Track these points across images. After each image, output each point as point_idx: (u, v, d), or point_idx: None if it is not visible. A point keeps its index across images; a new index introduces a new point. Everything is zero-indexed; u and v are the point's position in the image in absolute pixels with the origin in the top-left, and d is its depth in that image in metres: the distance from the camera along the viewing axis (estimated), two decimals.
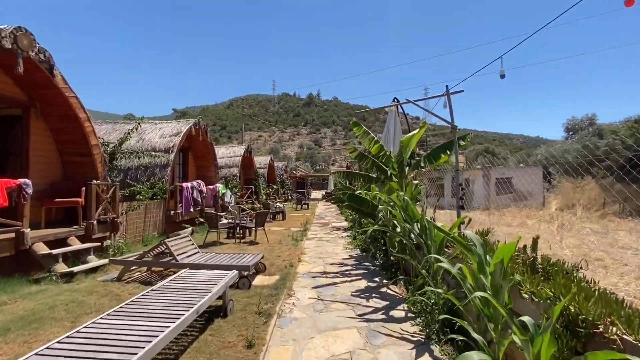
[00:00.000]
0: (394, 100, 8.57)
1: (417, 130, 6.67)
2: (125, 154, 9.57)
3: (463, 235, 3.07)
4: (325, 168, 54.31)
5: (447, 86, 5.22)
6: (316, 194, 50.12)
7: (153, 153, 10.27)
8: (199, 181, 11.65)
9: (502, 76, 9.15)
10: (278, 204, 24.07)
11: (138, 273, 6.01)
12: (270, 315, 4.11)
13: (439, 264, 2.90)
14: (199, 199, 11.34)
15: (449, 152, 5.91)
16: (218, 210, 12.88)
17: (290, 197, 30.19)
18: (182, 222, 10.65)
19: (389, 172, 6.44)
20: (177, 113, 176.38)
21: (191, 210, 10.71)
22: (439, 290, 3.02)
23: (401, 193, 6.20)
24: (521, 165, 22.24)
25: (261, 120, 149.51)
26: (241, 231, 9.64)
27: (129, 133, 9.37)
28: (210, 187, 13.21)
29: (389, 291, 5.17)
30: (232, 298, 4.34)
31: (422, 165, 6.28)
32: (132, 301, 3.42)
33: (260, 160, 24.74)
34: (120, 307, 3.24)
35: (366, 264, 7.04)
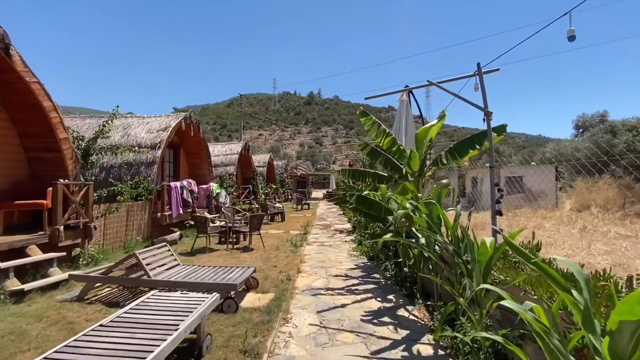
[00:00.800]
0: (405, 89, 7.62)
1: (434, 121, 5.72)
2: (106, 150, 8.62)
3: (550, 262, 2.14)
4: (327, 167, 53.33)
5: (478, 64, 4.26)
6: (317, 193, 49.20)
7: (138, 149, 9.33)
8: (190, 180, 10.71)
9: (572, 37, 6.94)
10: (277, 204, 23.16)
11: (107, 289, 5.07)
12: (259, 354, 3.17)
13: (502, 302, 1.95)
14: (190, 200, 10.41)
15: (478, 147, 4.95)
16: (212, 211, 11.95)
17: (290, 197, 29.25)
18: (171, 225, 9.73)
19: (403, 171, 5.50)
20: (178, 112, 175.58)
21: (181, 212, 9.78)
22: (497, 339, 2.06)
23: (418, 195, 5.26)
24: (533, 163, 21.24)
25: (262, 118, 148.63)
26: (234, 236, 8.71)
27: (103, 126, 8.40)
28: (204, 186, 12.29)
29: (407, 315, 4.23)
30: (210, 332, 3.40)
31: (444, 161, 5.32)
32: (67, 345, 2.48)
33: (259, 159, 23.80)
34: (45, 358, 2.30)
35: (375, 275, 6.10)
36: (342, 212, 19.26)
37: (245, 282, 4.78)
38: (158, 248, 5.00)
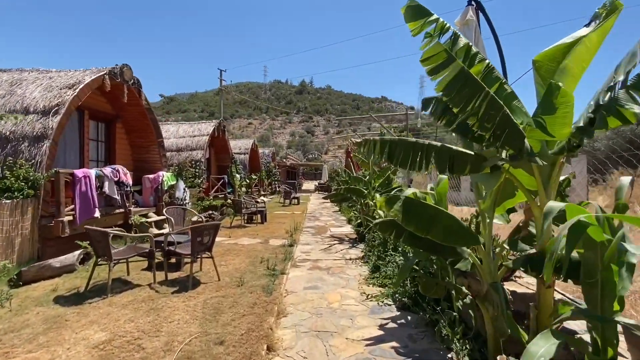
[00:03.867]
0: (470, 5, 4.25)
1: (589, 29, 2.36)
2: None
3: None
4: (318, 157, 49.91)
5: None
6: (308, 184, 45.82)
7: (22, 117, 5.78)
8: (117, 167, 7.20)
9: None
10: (262, 198, 19.73)
11: None
12: None
13: None
14: (117, 196, 6.93)
15: None
16: (160, 211, 8.50)
17: (278, 189, 25.82)
18: (80, 236, 6.24)
19: (525, 143, 2.15)
20: (165, 99, 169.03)
21: (97, 214, 6.28)
22: None
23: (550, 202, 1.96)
24: None
25: (251, 107, 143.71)
26: (174, 258, 5.31)
27: None
28: (150, 176, 8.80)
29: None
30: None
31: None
32: None
33: (240, 145, 20.25)
34: None
35: None
36: (337, 208, 15.99)
37: None
38: None
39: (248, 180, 14.61)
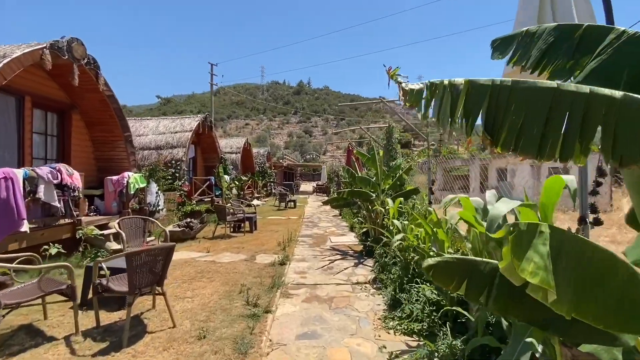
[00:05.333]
0: None
1: None
2: None
3: None
4: (317, 158, 48.41)
5: None
6: (306, 186, 44.25)
7: None
8: (58, 166, 5.65)
9: None
10: (255, 201, 18.21)
11: None
12: None
13: None
14: (56, 203, 5.39)
15: None
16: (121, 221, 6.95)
17: (274, 191, 24.32)
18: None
19: None
20: (163, 101, 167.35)
21: (23, 228, 4.74)
22: None
23: None
24: None
25: (249, 108, 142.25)
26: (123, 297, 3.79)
27: None
28: (113, 178, 7.29)
29: None
30: None
31: None
32: None
33: (232, 143, 18.73)
34: None
35: None
36: (338, 211, 14.47)
37: None
38: None
39: (238, 182, 13.09)
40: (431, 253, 3.75)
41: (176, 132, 11.60)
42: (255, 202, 17.98)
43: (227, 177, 12.53)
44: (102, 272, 3.51)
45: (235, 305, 4.05)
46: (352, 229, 10.07)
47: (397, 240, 4.38)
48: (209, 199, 12.34)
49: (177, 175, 10.50)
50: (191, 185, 11.39)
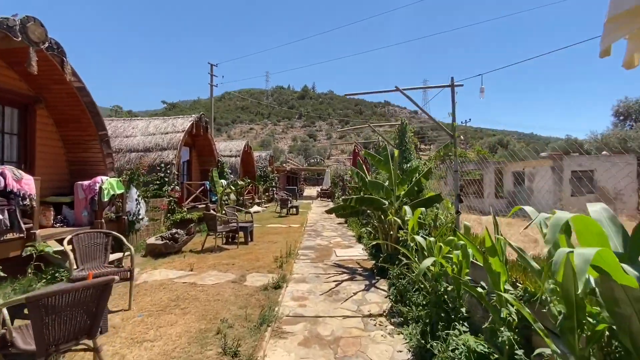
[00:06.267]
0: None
1: None
2: None
3: None
4: (321, 162, 47.28)
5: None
6: (310, 190, 43.13)
7: None
8: (1, 168, 4.66)
9: None
10: (255, 207, 17.18)
11: None
12: None
13: None
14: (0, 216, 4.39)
15: None
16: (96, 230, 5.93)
17: (276, 196, 23.28)
18: None
19: None
20: (168, 106, 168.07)
21: None
22: None
23: None
24: (604, 153, 15.48)
25: (253, 112, 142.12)
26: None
27: None
28: (84, 183, 6.30)
29: None
30: None
31: None
32: None
33: (231, 146, 17.76)
34: None
35: None
36: (344, 220, 13.35)
37: None
38: None
39: (234, 187, 12.04)
40: (478, 288, 2.64)
41: (167, 133, 10.64)
42: (255, 208, 16.93)
43: (223, 182, 11.51)
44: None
45: (207, 355, 2.98)
46: (359, 239, 8.96)
47: (426, 266, 3.28)
48: (204, 206, 11.32)
49: (167, 180, 9.50)
50: (183, 191, 10.38)
